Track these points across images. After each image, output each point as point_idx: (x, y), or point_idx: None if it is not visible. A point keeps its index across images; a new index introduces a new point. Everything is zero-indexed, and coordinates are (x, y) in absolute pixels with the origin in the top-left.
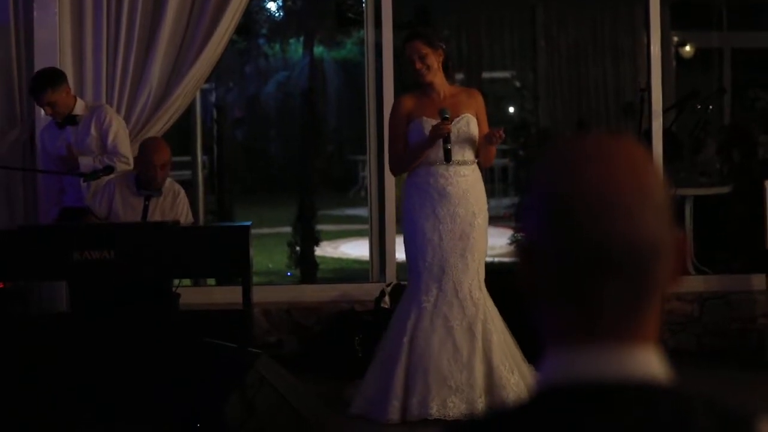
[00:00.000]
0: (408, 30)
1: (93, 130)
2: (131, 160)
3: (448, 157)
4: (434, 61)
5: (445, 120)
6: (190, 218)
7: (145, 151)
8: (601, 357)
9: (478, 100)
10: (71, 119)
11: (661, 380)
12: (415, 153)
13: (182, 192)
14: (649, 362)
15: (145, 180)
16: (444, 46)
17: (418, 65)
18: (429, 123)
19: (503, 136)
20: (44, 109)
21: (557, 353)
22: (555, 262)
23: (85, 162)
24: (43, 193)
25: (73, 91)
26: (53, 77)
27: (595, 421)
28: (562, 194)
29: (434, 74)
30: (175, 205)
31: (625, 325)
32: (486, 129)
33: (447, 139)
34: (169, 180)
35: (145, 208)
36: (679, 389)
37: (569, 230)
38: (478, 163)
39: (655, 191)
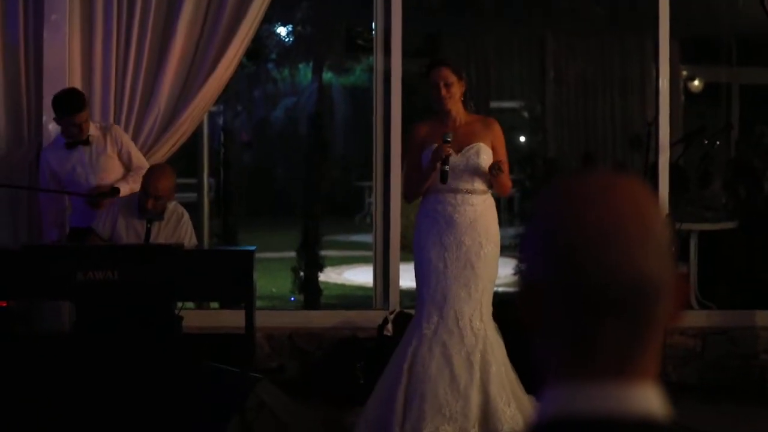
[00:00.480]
0: (434, 57)
1: (109, 150)
2: None
3: (443, 179)
4: (457, 90)
5: (446, 143)
6: (194, 241)
7: (145, 179)
8: (600, 393)
9: (495, 130)
10: (84, 140)
11: (660, 417)
12: (422, 176)
13: (186, 215)
14: (648, 399)
15: (141, 206)
16: (466, 79)
17: (443, 92)
18: None
19: (502, 168)
20: (71, 129)
21: (557, 387)
22: (555, 299)
23: (124, 187)
24: (43, 213)
25: None
26: (83, 98)
27: None
28: (564, 233)
29: (455, 103)
30: (178, 228)
31: (624, 362)
32: (504, 157)
33: (446, 161)
34: (173, 203)
35: (147, 231)
36: (677, 426)
37: (570, 269)
38: (492, 194)
39: (658, 230)
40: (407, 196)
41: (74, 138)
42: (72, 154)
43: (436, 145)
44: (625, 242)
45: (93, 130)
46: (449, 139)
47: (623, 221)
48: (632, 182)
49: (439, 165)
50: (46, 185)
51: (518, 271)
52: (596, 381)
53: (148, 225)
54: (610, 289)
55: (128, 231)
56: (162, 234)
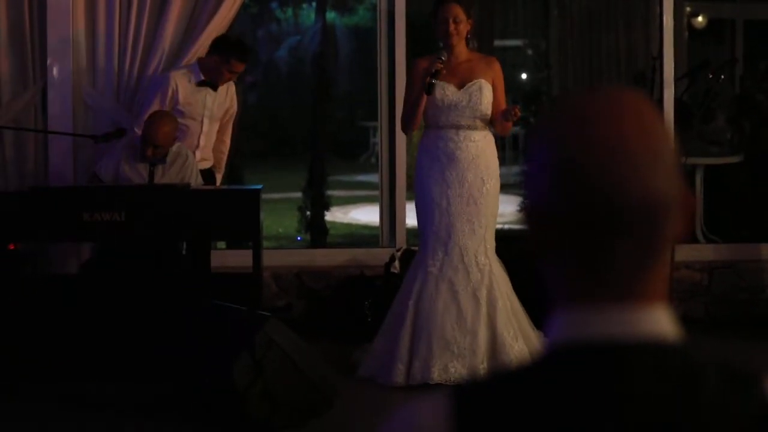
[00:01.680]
0: None
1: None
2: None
3: (428, 90)
4: (464, 29)
5: (439, 60)
6: (200, 181)
7: (144, 127)
8: (611, 316)
9: (495, 69)
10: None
11: (672, 339)
12: (414, 100)
13: (191, 156)
14: (660, 322)
15: (142, 152)
16: (474, 17)
17: (452, 28)
18: (441, 86)
19: (519, 113)
20: (227, 75)
21: (567, 313)
22: (562, 221)
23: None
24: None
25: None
26: None
27: (606, 379)
28: (571, 153)
29: (460, 40)
30: (183, 169)
31: (635, 284)
32: (502, 97)
33: (434, 75)
34: (177, 144)
35: (151, 174)
36: (689, 349)
37: (579, 189)
38: (491, 130)
39: (665, 149)
40: (403, 125)
41: (219, 81)
42: (199, 92)
43: (439, 82)
44: (632, 160)
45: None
46: (443, 58)
47: (629, 139)
48: (637, 99)
49: (427, 79)
50: (157, 105)
51: (523, 194)
52: (607, 304)
53: (151, 168)
54: (618, 208)
55: (132, 174)
56: (166, 176)
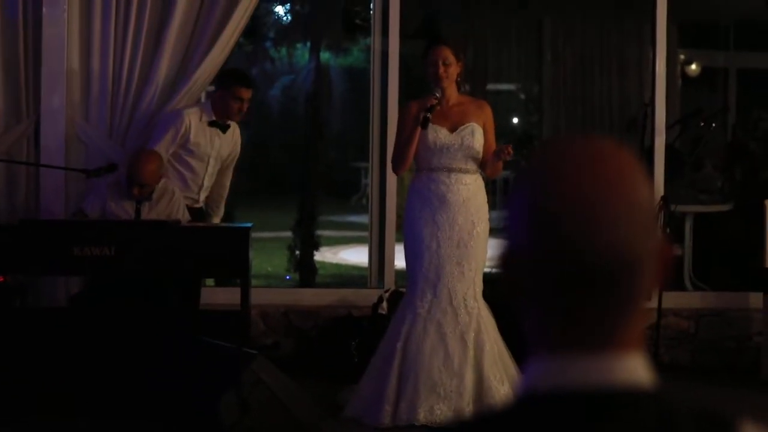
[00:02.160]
0: (435, 36)
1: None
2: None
3: (424, 124)
4: (454, 71)
5: (434, 96)
6: (187, 217)
7: (129, 165)
8: (585, 364)
9: (486, 112)
10: (226, 125)
11: (647, 387)
12: (407, 138)
13: (177, 192)
14: (634, 369)
15: (128, 191)
16: (464, 60)
17: (441, 70)
18: (434, 129)
19: (512, 152)
20: (233, 104)
21: (541, 360)
22: (537, 270)
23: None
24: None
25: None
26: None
27: (581, 428)
28: (547, 202)
29: (450, 83)
30: (170, 205)
31: (609, 333)
32: (493, 141)
33: (429, 110)
34: (163, 181)
35: (137, 211)
36: (664, 395)
37: (552, 239)
38: (482, 174)
39: (642, 199)
40: (395, 164)
41: (230, 114)
42: (209, 132)
43: (431, 125)
44: (606, 214)
45: (231, 122)
46: (438, 95)
47: (607, 191)
48: (617, 150)
49: (422, 113)
50: (167, 144)
51: (501, 239)
52: (581, 353)
53: (138, 206)
54: (590, 261)
55: (118, 212)
56: (153, 213)
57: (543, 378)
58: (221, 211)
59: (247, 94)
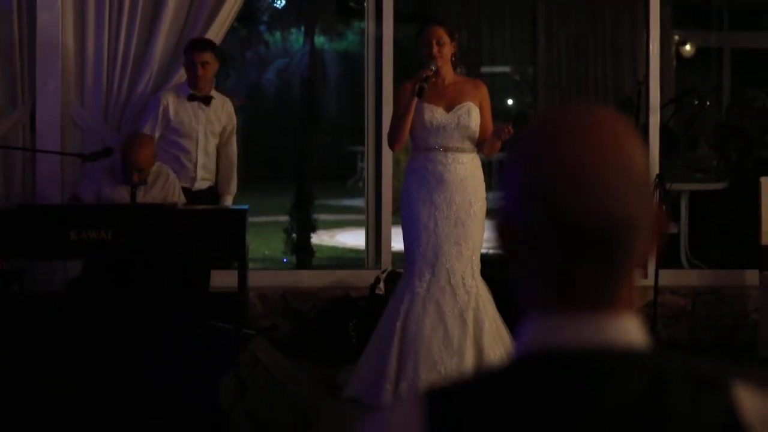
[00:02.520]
0: (429, 16)
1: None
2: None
3: (419, 93)
4: (448, 51)
5: (429, 67)
6: (182, 199)
7: (124, 151)
8: (579, 324)
9: (482, 92)
10: (206, 97)
11: (640, 347)
12: (403, 112)
13: (172, 175)
14: (628, 330)
15: (125, 176)
16: (458, 40)
17: (435, 50)
18: (430, 109)
19: (512, 131)
20: (196, 70)
21: (536, 321)
22: (531, 235)
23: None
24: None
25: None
26: (214, 45)
27: (575, 386)
28: (540, 169)
29: (444, 63)
30: (165, 188)
31: (601, 295)
32: (489, 120)
33: (425, 80)
34: (157, 164)
35: (132, 195)
36: (658, 356)
37: (546, 205)
38: (478, 153)
39: (636, 165)
40: (391, 140)
41: (195, 83)
42: (191, 107)
43: (426, 104)
44: (602, 179)
45: (216, 95)
46: (433, 67)
47: (601, 157)
48: (610, 116)
49: (418, 83)
50: (150, 129)
51: (497, 207)
52: (575, 313)
53: (133, 189)
54: (583, 227)
55: (113, 196)
56: (148, 196)
57: (537, 338)
58: (233, 188)
59: (199, 56)
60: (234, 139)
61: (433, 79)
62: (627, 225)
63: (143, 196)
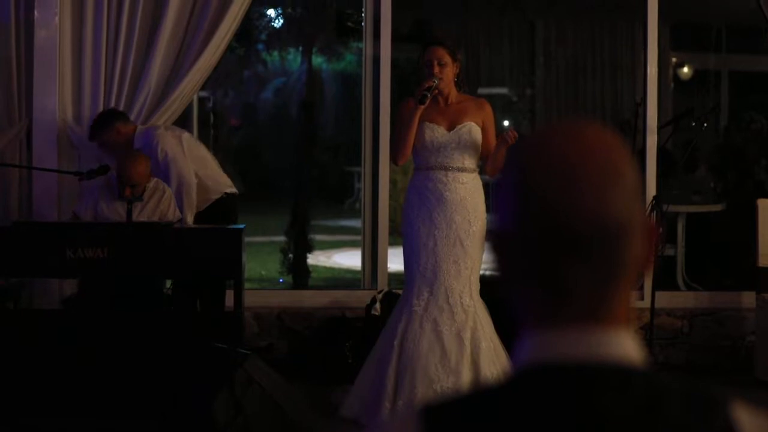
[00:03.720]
0: (431, 36)
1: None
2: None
3: (422, 100)
4: (450, 72)
5: (432, 79)
6: (178, 215)
7: (119, 167)
8: (575, 338)
9: (486, 111)
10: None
11: (636, 362)
12: (407, 124)
13: (168, 191)
14: (623, 344)
15: (120, 191)
16: (461, 60)
17: (436, 70)
18: (431, 128)
19: (516, 135)
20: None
21: (531, 336)
22: (524, 243)
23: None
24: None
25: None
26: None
27: (570, 401)
28: (529, 175)
29: (447, 83)
30: (160, 203)
31: (596, 307)
32: (493, 139)
33: (428, 89)
34: (154, 180)
35: (129, 212)
36: (654, 372)
37: (536, 211)
38: (480, 174)
39: (625, 173)
40: (394, 152)
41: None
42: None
43: (428, 123)
44: (589, 185)
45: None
46: (435, 81)
47: (588, 164)
48: (598, 128)
49: (420, 91)
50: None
51: (490, 221)
52: (570, 327)
53: (129, 206)
54: (573, 230)
55: (110, 213)
56: (145, 212)
57: (532, 353)
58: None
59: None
60: (172, 167)
61: (436, 94)
62: (619, 228)
63: (139, 213)
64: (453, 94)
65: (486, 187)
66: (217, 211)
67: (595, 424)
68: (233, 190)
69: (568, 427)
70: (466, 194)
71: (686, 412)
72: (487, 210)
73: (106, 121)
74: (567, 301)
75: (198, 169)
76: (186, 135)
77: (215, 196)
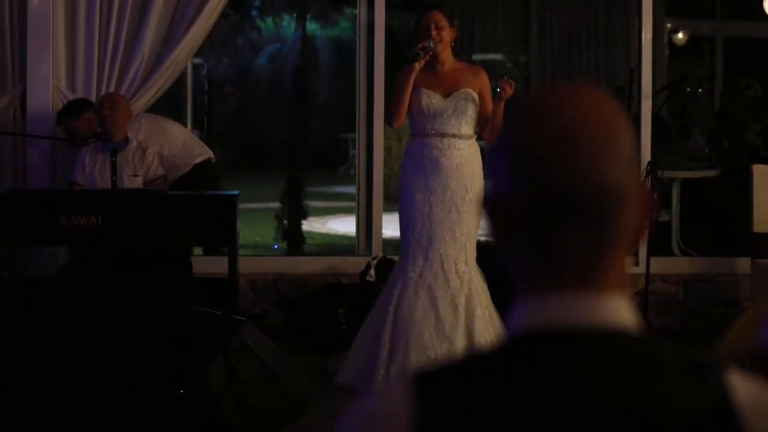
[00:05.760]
0: (427, 2)
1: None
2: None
3: (414, 58)
4: (447, 35)
5: (429, 40)
6: (161, 171)
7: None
8: (569, 304)
9: (482, 78)
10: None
11: (631, 328)
12: (403, 85)
13: (150, 149)
14: (618, 310)
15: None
16: (457, 26)
17: (434, 33)
18: (427, 94)
19: (513, 83)
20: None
21: (526, 301)
22: (519, 209)
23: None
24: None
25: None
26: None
27: (566, 367)
28: (525, 140)
29: (444, 48)
30: (144, 160)
31: (591, 272)
32: (489, 106)
33: (423, 49)
34: (137, 140)
35: (113, 164)
36: (649, 337)
37: (532, 175)
38: (478, 141)
39: (622, 139)
40: (389, 114)
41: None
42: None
43: (425, 89)
44: (586, 149)
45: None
46: (431, 43)
47: (586, 129)
48: (597, 93)
49: (414, 51)
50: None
51: (485, 186)
52: (564, 292)
53: (113, 158)
54: (569, 195)
55: (99, 171)
56: (130, 165)
57: (526, 319)
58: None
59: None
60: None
61: (433, 58)
62: (615, 194)
63: (124, 169)
64: (449, 60)
65: (483, 154)
66: (188, 181)
67: (589, 389)
68: (204, 157)
69: (562, 393)
70: (463, 160)
71: (681, 377)
72: (484, 177)
73: (78, 110)
74: (561, 267)
75: (162, 149)
76: (144, 119)
77: (185, 170)
